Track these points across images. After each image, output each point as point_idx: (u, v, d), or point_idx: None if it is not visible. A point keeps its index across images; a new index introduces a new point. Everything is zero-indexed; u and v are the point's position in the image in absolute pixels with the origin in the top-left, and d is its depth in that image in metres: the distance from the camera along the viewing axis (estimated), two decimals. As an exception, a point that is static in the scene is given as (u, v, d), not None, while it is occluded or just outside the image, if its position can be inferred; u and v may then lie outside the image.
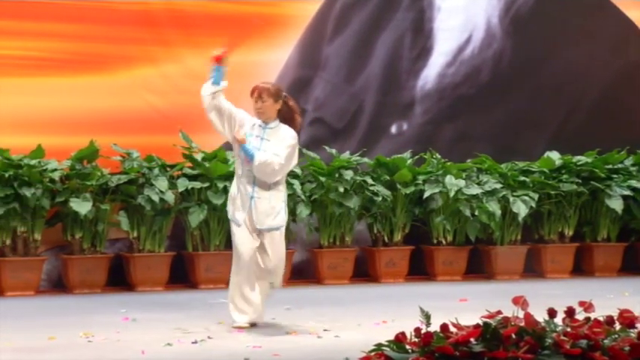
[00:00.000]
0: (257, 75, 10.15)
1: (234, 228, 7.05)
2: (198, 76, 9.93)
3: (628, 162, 10.75)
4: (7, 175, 8.84)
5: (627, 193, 10.43)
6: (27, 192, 8.82)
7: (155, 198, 9.15)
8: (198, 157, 9.53)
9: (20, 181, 8.87)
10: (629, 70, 11.41)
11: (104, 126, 9.55)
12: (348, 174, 9.80)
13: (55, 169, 9.03)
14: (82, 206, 8.90)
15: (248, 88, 10.05)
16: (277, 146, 6.99)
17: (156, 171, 9.33)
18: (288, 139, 7.04)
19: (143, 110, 9.81)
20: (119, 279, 9.42)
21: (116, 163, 9.39)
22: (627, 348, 3.92)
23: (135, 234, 9.37)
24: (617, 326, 4.13)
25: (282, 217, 7.06)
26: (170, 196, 9.21)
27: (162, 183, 9.22)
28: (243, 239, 7.00)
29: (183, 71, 9.95)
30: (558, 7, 11.22)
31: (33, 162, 8.95)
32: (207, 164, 9.42)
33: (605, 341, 3.96)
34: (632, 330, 4.10)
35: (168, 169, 9.48)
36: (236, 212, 7.04)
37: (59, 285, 9.35)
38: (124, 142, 9.50)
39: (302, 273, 10.03)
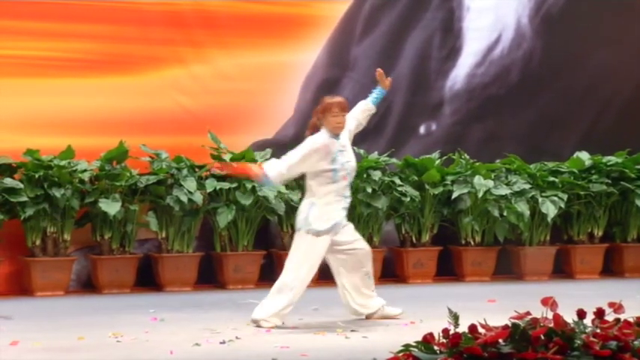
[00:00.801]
0: (286, 75, 10.19)
1: None
2: (227, 76, 10.03)
3: (658, 162, 10.68)
4: (37, 175, 8.90)
5: (658, 193, 10.36)
6: (57, 192, 8.87)
7: (184, 198, 9.18)
8: (227, 157, 9.55)
9: (50, 181, 8.93)
10: (660, 70, 11.34)
11: (133, 127, 9.59)
12: (377, 174, 9.79)
13: (85, 170, 9.08)
14: (111, 207, 8.94)
15: (276, 89, 10.17)
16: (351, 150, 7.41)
17: (184, 172, 9.35)
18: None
19: (172, 111, 9.84)
20: (148, 279, 9.45)
21: (145, 164, 9.42)
22: (657, 349, 3.89)
23: (163, 234, 9.40)
24: (647, 327, 4.11)
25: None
26: (198, 197, 9.23)
27: (190, 183, 9.25)
28: None
29: (212, 72, 9.98)
30: (589, 7, 11.15)
31: (63, 163, 9.00)
32: (235, 165, 9.43)
33: (635, 342, 3.93)
34: (662, 331, 4.07)
35: (196, 169, 9.50)
36: None
37: (88, 285, 9.40)
38: (153, 143, 9.53)
39: (330, 273, 10.00)
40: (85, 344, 6.44)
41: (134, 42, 9.78)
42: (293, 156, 7.22)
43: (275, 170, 7.19)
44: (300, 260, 7.25)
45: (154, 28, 9.83)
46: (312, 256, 7.25)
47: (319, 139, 7.25)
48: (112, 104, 9.66)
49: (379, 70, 7.75)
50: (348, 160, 7.30)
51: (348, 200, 7.39)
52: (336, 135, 7.29)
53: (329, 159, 7.20)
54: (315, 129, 7.34)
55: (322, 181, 7.22)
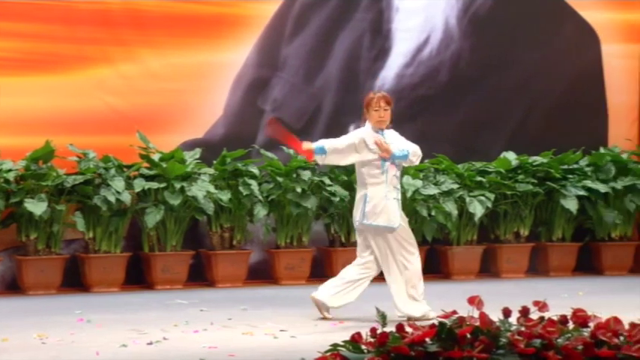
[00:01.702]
0: (215, 75, 10.14)
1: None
2: (156, 76, 9.95)
3: (583, 162, 10.83)
4: (-40, 175, 8.75)
5: (582, 193, 10.50)
6: (-19, 192, 8.73)
7: (111, 198, 9.09)
8: (155, 157, 9.48)
9: (-26, 181, 8.79)
10: (586, 71, 11.48)
11: (60, 126, 9.47)
12: (306, 174, 9.80)
13: (10, 170, 8.95)
14: (37, 207, 8.82)
15: (206, 88, 10.12)
16: (401, 143, 7.55)
17: (112, 171, 9.27)
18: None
19: (100, 110, 9.74)
20: (75, 280, 9.35)
21: (72, 164, 9.32)
22: (580, 347, 3.95)
23: (91, 235, 9.30)
24: (571, 325, 4.17)
25: None
26: (127, 197, 9.15)
27: (118, 183, 9.16)
28: None
29: (142, 71, 9.90)
30: (516, 8, 11.27)
31: (-13, 162, 8.87)
32: (164, 164, 9.37)
33: (559, 340, 3.99)
34: (585, 329, 4.13)
35: (125, 169, 9.42)
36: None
37: (14, 286, 9.26)
38: (81, 143, 9.42)
39: (259, 273, 10.01)
40: (9, 346, 6.35)
41: (62, 41, 9.66)
42: (338, 142, 7.51)
43: (327, 143, 7.49)
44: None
45: (82, 26, 9.72)
46: None
47: (360, 132, 7.54)
48: (38, 103, 9.54)
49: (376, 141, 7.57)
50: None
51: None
52: (379, 129, 7.43)
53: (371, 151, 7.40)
54: (364, 122, 7.57)
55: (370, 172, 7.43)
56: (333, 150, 7.49)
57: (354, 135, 7.58)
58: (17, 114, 9.44)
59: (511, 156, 10.64)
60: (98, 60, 9.75)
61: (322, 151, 7.52)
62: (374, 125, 7.46)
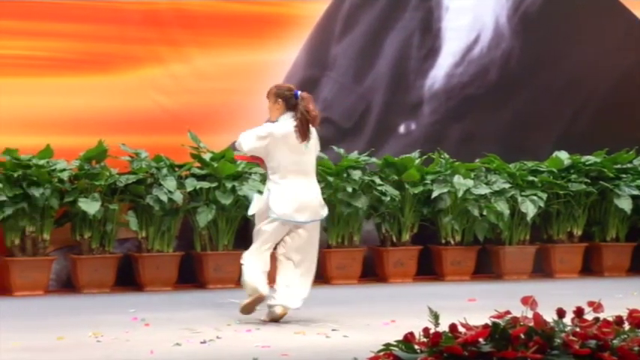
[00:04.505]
0: (265, 75, 10.17)
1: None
2: (206, 75, 10.02)
3: (637, 161, 10.73)
4: (15, 175, 8.86)
5: (636, 192, 10.40)
6: (36, 192, 8.83)
7: (163, 198, 9.16)
8: (207, 157, 9.54)
9: (29, 181, 8.89)
10: (638, 69, 11.39)
11: (112, 126, 9.57)
12: (357, 174, 9.80)
13: (64, 169, 9.05)
14: (90, 206, 8.91)
15: (256, 88, 10.15)
16: None
17: (164, 171, 9.34)
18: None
19: (151, 110, 9.83)
20: (128, 279, 9.43)
21: (124, 163, 9.40)
22: (636, 348, 3.91)
23: (143, 234, 9.38)
24: (626, 326, 4.13)
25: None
26: (178, 196, 9.22)
27: (170, 183, 9.23)
28: None
29: (191, 71, 9.97)
30: (567, 6, 11.20)
31: (42, 162, 8.97)
32: (215, 164, 9.43)
33: (614, 341, 3.95)
34: (641, 330, 4.09)
35: (176, 169, 9.49)
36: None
37: (68, 285, 9.37)
38: (133, 142, 9.51)
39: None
40: (64, 344, 6.42)
41: (113, 41, 9.75)
42: None
43: None
44: None
45: (132, 27, 9.81)
46: None
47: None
48: (91, 103, 9.64)
49: None
50: None
51: None
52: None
53: None
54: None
55: None
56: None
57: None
58: (70, 114, 9.54)
59: (563, 155, 10.57)
60: (148, 60, 9.84)
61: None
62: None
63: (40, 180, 8.88)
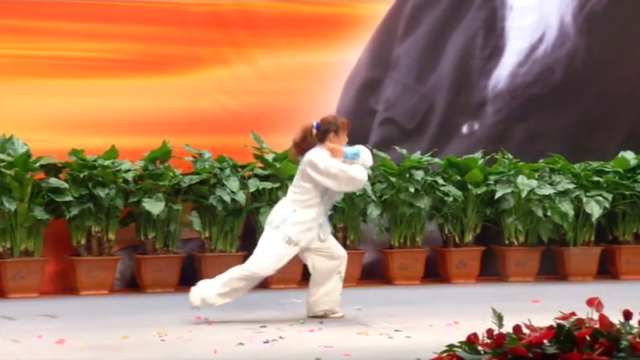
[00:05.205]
0: (328, 75, 10.19)
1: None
2: (269, 76, 10.05)
3: None
4: (81, 175, 8.98)
5: None
6: (101, 192, 8.94)
7: (227, 198, 9.21)
8: (269, 157, 9.57)
9: (94, 181, 9.00)
10: None
11: (176, 127, 9.64)
12: (419, 174, 9.77)
13: (129, 170, 9.14)
14: (154, 206, 8.99)
15: (318, 89, 10.18)
16: None
17: (227, 171, 9.39)
18: None
19: (214, 111, 9.89)
20: (191, 279, 9.46)
21: (188, 164, 9.47)
22: None
23: (207, 234, 9.44)
24: (695, 329, 4.07)
25: None
26: (241, 197, 9.26)
27: (233, 183, 9.28)
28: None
29: (254, 72, 10.01)
30: (633, 5, 11.06)
31: (107, 162, 9.07)
32: (277, 165, 9.45)
33: (682, 344, 3.90)
34: None
35: (239, 169, 9.53)
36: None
37: (132, 284, 9.46)
38: (196, 143, 9.57)
39: (372, 273, 10.02)
40: (129, 343, 6.49)
41: (176, 42, 9.83)
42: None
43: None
44: None
45: (195, 28, 9.88)
46: None
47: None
48: (155, 104, 9.72)
49: None
50: None
51: None
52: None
53: None
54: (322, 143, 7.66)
55: None
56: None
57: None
58: (135, 115, 9.64)
59: (629, 155, 10.44)
60: (212, 61, 9.90)
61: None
62: (337, 148, 7.48)
63: (106, 180, 8.99)
